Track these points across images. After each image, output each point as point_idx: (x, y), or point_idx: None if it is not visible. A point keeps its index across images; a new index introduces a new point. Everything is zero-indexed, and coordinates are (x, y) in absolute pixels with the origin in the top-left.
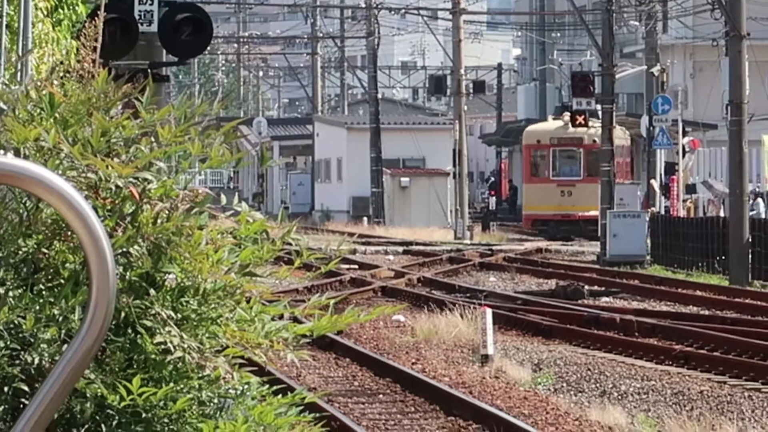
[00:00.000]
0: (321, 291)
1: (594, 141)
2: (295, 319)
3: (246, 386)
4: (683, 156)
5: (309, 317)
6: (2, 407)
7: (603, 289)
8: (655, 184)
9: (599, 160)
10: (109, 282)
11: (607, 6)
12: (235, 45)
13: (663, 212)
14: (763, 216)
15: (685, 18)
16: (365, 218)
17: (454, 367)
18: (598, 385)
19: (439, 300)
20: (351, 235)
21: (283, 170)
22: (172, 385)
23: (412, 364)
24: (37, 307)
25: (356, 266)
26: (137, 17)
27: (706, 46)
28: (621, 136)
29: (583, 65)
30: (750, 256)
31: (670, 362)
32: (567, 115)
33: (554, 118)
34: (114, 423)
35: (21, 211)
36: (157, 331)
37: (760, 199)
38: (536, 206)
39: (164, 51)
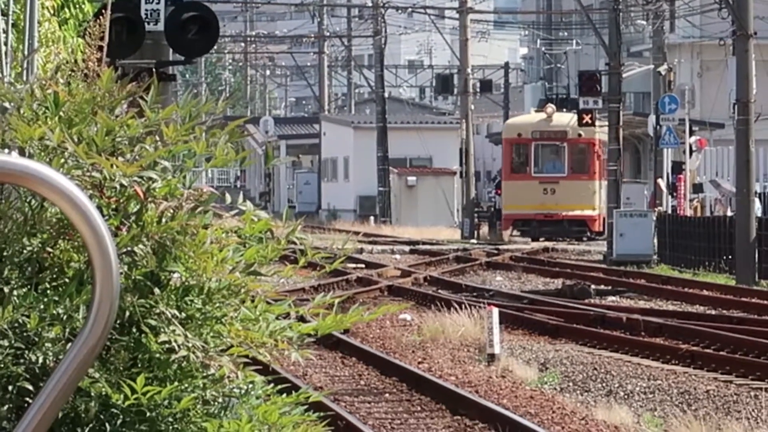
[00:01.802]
0: (327, 290)
1: (579, 135)
2: (301, 318)
3: (250, 385)
4: (690, 155)
5: (314, 316)
6: (7, 406)
7: (609, 288)
8: (662, 183)
9: (585, 155)
10: (113, 281)
11: (614, 5)
12: (242, 44)
13: (670, 211)
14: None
15: (692, 17)
16: (372, 217)
17: (461, 367)
18: (604, 384)
19: (446, 299)
20: (357, 234)
21: (290, 169)
22: (176, 384)
23: (419, 363)
24: (42, 306)
25: (363, 265)
26: (143, 16)
27: (713, 46)
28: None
29: (568, 55)
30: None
31: (677, 362)
32: (550, 107)
33: (536, 111)
34: (118, 422)
35: (26, 210)
36: (162, 330)
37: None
38: (517, 205)
39: (171, 50)
